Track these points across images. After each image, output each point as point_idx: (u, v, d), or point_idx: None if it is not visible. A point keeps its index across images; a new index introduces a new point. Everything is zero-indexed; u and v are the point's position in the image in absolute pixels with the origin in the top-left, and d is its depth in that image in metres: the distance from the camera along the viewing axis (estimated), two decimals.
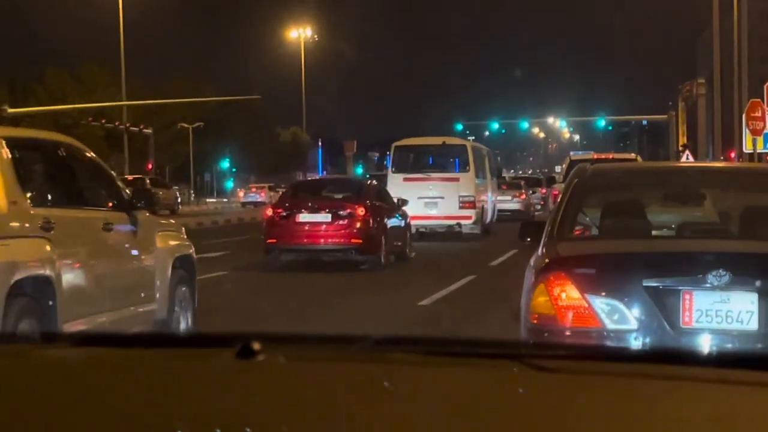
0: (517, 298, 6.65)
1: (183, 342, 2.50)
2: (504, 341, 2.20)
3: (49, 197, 8.29)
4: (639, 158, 38.23)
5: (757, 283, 5.88)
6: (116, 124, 60.87)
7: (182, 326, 9.80)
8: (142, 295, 9.22)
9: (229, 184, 63.38)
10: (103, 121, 61.04)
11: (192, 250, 10.37)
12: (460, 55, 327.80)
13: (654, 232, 7.24)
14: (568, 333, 6.00)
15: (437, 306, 13.89)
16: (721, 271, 5.85)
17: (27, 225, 7.68)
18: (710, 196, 7.79)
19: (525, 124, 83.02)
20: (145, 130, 62.68)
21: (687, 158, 50.18)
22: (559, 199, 7.22)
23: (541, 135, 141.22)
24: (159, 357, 2.14)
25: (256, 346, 1.96)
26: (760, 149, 26.60)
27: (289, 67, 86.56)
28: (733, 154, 54.15)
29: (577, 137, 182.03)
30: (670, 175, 8.33)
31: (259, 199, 70.56)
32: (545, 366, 1.90)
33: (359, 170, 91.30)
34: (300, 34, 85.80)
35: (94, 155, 9.40)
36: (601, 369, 1.94)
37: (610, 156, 37.69)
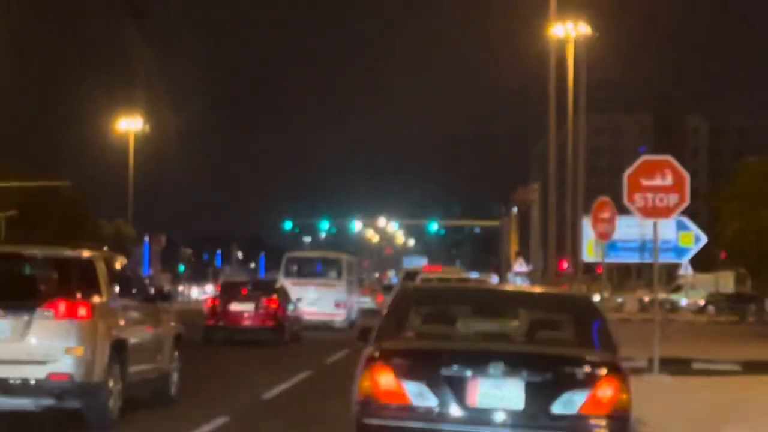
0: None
1: None
2: None
3: (119, 291, 13.21)
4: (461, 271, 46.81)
5: (524, 374, 7.95)
6: None
7: (174, 378, 14.97)
8: (158, 356, 14.33)
9: None
10: None
11: (182, 330, 15.72)
12: (296, 151, 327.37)
13: (461, 335, 9.14)
14: (384, 408, 8.02)
15: (329, 367, 21.20)
16: (498, 364, 7.93)
17: (116, 308, 12.80)
18: (508, 311, 9.83)
19: (354, 225, 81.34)
20: None
21: (521, 266, 49.20)
22: (388, 307, 9.37)
23: (375, 239, 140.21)
24: None
25: None
26: (598, 258, 24.35)
27: (119, 158, 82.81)
28: (565, 264, 53.15)
29: (412, 242, 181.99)
30: (474, 294, 10.97)
31: None
32: None
33: (182, 269, 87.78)
34: (129, 125, 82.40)
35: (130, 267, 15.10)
36: None
37: (439, 269, 45.09)
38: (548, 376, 7.97)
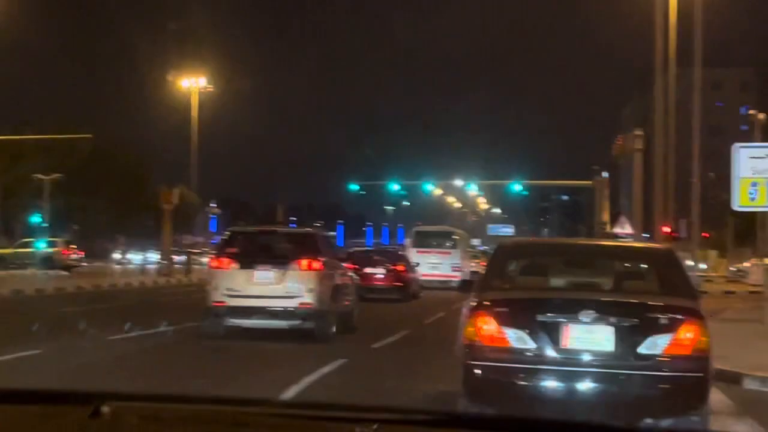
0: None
1: (41, 398, 2.60)
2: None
3: (329, 254, 20.70)
4: None
5: (612, 320, 9.05)
6: None
7: (355, 314, 22.07)
8: (348, 297, 21.37)
9: (38, 245, 53.15)
10: None
11: (356, 278, 24.26)
12: (365, 109, 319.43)
13: (555, 285, 10.48)
14: (487, 351, 9.18)
15: (456, 310, 23.62)
16: (589, 311, 9.07)
17: (330, 264, 20.51)
18: (597, 263, 11.25)
19: (427, 188, 74.72)
20: None
21: (623, 227, 42.73)
22: (488, 262, 11.23)
23: (457, 205, 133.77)
24: (14, 414, 2.34)
25: (106, 408, 2.23)
26: (761, 205, 16.57)
27: (182, 120, 77.07)
28: (667, 229, 46.03)
29: (497, 210, 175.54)
30: (565, 248, 12.20)
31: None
32: None
33: (214, 229, 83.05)
34: (192, 83, 76.73)
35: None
36: None
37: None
38: (635, 321, 8.98)
